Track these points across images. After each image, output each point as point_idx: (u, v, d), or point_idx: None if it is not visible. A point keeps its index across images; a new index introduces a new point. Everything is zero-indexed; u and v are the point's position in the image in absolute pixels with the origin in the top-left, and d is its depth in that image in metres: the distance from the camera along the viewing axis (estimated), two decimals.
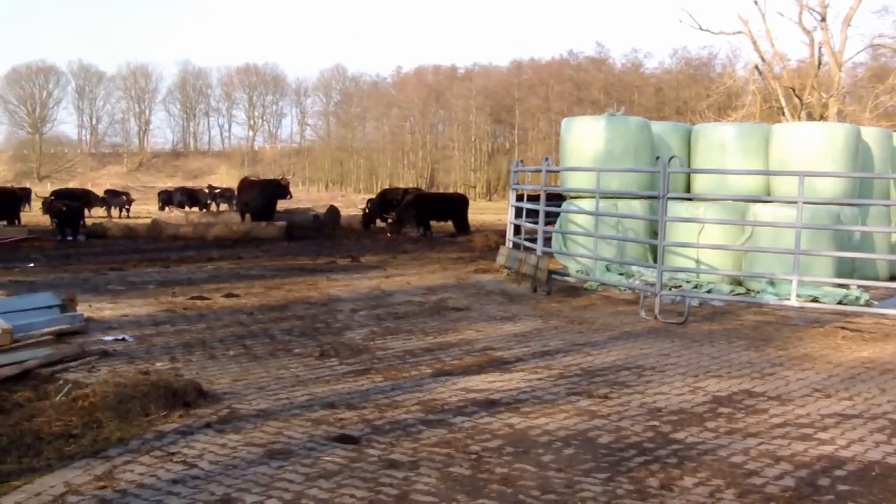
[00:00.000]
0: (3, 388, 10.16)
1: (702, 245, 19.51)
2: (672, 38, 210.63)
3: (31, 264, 24.89)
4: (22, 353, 11.68)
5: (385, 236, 38.71)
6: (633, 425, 8.97)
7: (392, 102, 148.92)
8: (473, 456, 7.93)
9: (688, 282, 19.59)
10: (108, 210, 57.25)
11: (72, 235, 36.40)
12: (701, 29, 50.14)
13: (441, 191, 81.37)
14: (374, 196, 50.75)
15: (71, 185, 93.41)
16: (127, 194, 61.17)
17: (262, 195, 40.19)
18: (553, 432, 8.69)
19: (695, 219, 19.74)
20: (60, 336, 13.19)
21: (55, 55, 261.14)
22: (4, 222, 35.42)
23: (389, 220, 41.45)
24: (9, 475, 7.35)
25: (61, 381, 10.42)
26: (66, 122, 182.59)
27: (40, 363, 11.20)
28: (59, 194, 47.22)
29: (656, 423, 9.09)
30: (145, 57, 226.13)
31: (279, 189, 41.07)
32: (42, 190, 64.22)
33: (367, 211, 43.63)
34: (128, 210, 56.93)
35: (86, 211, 54.40)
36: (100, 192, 68.53)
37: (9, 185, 68.22)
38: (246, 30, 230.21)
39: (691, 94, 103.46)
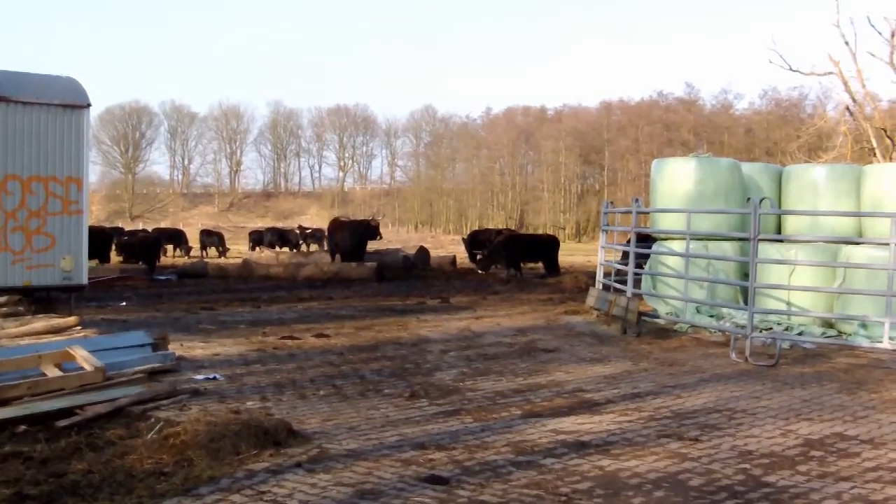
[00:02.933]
0: (95, 426, 10.31)
1: (793, 287, 19.32)
2: (762, 79, 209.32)
3: (124, 303, 25.20)
4: (114, 390, 11.83)
5: (476, 276, 38.70)
6: (723, 468, 8.91)
7: (482, 143, 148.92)
8: (563, 498, 7.91)
9: (779, 324, 19.41)
10: (202, 250, 57.80)
11: (149, 271, 36.94)
12: (791, 70, 49.63)
13: (531, 232, 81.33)
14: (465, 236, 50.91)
15: (163, 224, 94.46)
16: (220, 235, 61.64)
17: (352, 236, 40.37)
18: (643, 475, 8.66)
19: (786, 260, 19.59)
20: (152, 374, 13.35)
21: (148, 96, 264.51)
22: (96, 261, 35.92)
23: (479, 259, 41.47)
24: None
25: (153, 419, 10.52)
26: (158, 163, 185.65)
27: (132, 401, 11.33)
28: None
29: (747, 466, 9.02)
30: (237, 98, 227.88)
31: (369, 230, 41.26)
32: (133, 229, 64.88)
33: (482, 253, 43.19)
34: (220, 251, 57.32)
35: (177, 251, 55.11)
36: (192, 232, 69.32)
37: (102, 224, 68.99)
38: (337, 71, 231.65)
39: (781, 134, 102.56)
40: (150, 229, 63.45)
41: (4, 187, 20.35)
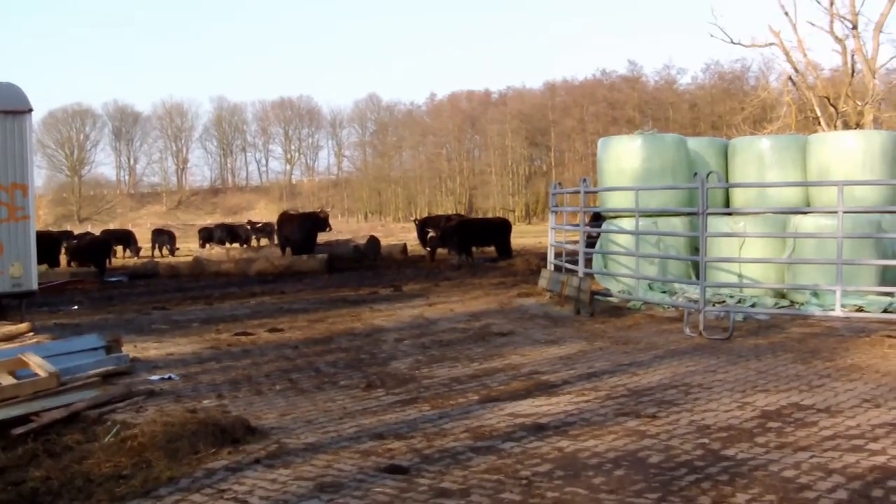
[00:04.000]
0: (52, 432, 10.23)
1: (744, 259, 19.45)
2: (704, 53, 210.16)
3: (75, 307, 25.05)
4: (69, 395, 11.74)
5: (427, 264, 38.68)
6: (682, 444, 8.94)
7: (427, 130, 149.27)
8: (524, 481, 7.92)
9: (731, 297, 19.53)
10: (153, 250, 57.59)
11: (100, 273, 36.87)
12: (733, 42, 49.89)
13: (481, 216, 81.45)
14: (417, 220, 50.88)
15: (111, 226, 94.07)
16: (171, 234, 61.43)
17: (301, 229, 40.34)
18: (603, 454, 8.67)
19: (735, 233, 19.73)
20: (107, 377, 13.26)
21: (90, 97, 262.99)
22: (45, 266, 35.67)
23: (429, 237, 41.40)
24: None
25: (109, 423, 10.45)
26: (104, 164, 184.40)
27: (88, 405, 11.26)
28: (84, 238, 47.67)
29: (706, 440, 9.05)
30: (180, 95, 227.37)
31: (319, 222, 41.20)
32: (84, 232, 64.43)
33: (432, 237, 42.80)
34: (170, 250, 57.13)
35: (126, 252, 54.86)
36: (141, 232, 69.00)
37: (50, 229, 68.50)
38: (279, 63, 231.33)
39: (726, 108, 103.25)
40: (97, 232, 63.09)
41: None
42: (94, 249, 41.50)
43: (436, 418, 10.35)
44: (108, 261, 42.10)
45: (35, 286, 21.55)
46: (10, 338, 15.40)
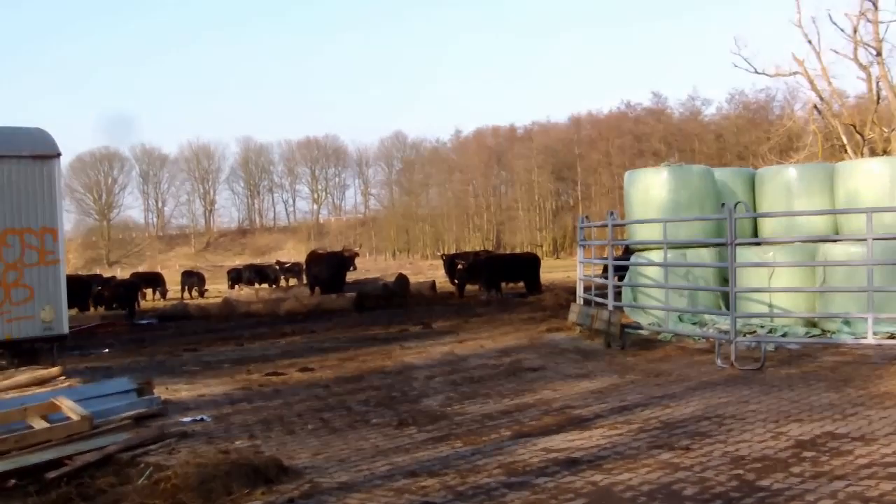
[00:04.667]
0: (85, 475, 10.25)
1: (774, 289, 19.38)
2: (728, 83, 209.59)
3: (106, 350, 25.11)
4: (102, 438, 11.77)
5: (456, 300, 38.67)
6: (716, 475, 8.90)
7: (453, 167, 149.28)
8: None
9: (762, 327, 19.46)
10: (183, 291, 57.82)
11: (129, 316, 37.05)
12: (757, 72, 49.89)
13: (509, 252, 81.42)
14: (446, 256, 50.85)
15: (141, 268, 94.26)
16: (200, 275, 61.65)
17: (330, 267, 40.36)
18: (636, 487, 8.64)
19: (765, 263, 19.65)
20: (139, 420, 13.29)
21: (118, 141, 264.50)
22: (76, 310, 35.77)
23: (456, 279, 41.36)
24: None
25: (142, 465, 10.47)
26: (132, 207, 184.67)
27: (121, 448, 11.28)
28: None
29: (740, 471, 9.01)
30: (206, 136, 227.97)
31: (345, 260, 41.20)
32: (114, 276, 64.57)
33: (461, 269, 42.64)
34: (200, 291, 57.35)
35: (155, 294, 55.09)
36: (170, 274, 69.23)
37: (79, 272, 68.76)
38: (304, 103, 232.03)
39: (751, 138, 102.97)
40: (126, 275, 63.45)
41: None
42: (122, 292, 41.67)
43: (468, 455, 10.33)
44: (136, 303, 42.26)
45: (66, 330, 21.59)
46: (41, 382, 15.44)
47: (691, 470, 9.15)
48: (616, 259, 21.77)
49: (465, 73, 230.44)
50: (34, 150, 21.14)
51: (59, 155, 21.54)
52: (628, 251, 23.34)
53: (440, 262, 51.92)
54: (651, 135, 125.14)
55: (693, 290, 20.71)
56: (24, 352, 20.59)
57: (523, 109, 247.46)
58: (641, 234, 22.40)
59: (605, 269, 23.28)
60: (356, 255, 43.14)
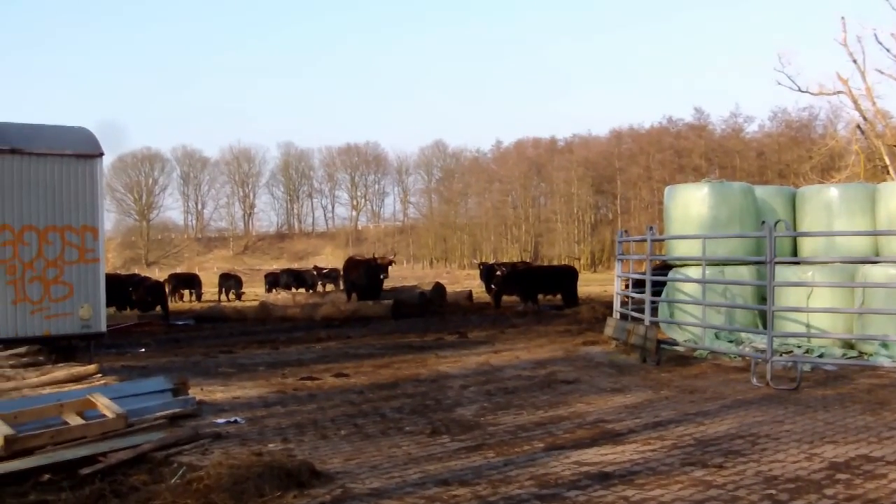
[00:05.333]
0: (119, 472, 10.30)
1: (812, 309, 19.27)
2: (771, 100, 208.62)
3: (143, 349, 25.23)
4: (137, 436, 11.83)
5: (493, 310, 38.65)
6: (749, 494, 8.87)
7: (493, 177, 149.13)
8: None
9: (799, 347, 19.37)
10: (220, 294, 58.09)
11: (164, 316, 37.25)
12: (800, 90, 49.66)
13: (546, 264, 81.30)
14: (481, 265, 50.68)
15: (178, 269, 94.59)
16: (238, 278, 61.92)
17: (367, 274, 40.39)
18: (668, 503, 8.62)
19: (803, 282, 19.54)
20: (174, 419, 13.35)
21: (160, 142, 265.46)
22: (113, 308, 35.91)
23: (493, 286, 41.29)
24: None
25: (176, 464, 10.52)
26: (172, 209, 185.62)
27: (155, 447, 11.33)
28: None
29: (773, 491, 8.97)
30: (247, 140, 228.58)
31: (378, 267, 41.16)
32: (151, 276, 64.81)
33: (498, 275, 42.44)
34: (237, 294, 57.60)
35: (192, 295, 55.37)
36: (207, 276, 69.51)
37: (118, 271, 69.13)
38: (346, 110, 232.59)
39: (793, 156, 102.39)
40: (157, 275, 63.85)
41: (21, 238, 20.44)
42: (153, 293, 42.03)
43: (501, 465, 10.33)
44: (165, 304, 42.54)
45: (104, 328, 21.74)
46: (78, 379, 15.54)
47: (724, 488, 9.12)
48: (651, 274, 21.70)
49: (506, 84, 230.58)
50: (77, 149, 21.31)
51: (101, 154, 21.71)
52: (664, 266, 23.25)
53: (477, 272, 51.77)
54: (692, 150, 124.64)
55: (730, 307, 20.64)
56: (61, 348, 20.73)
57: (564, 122, 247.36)
58: (680, 249, 22.34)
59: (636, 282, 23.20)
60: (391, 262, 43.03)
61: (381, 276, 40.83)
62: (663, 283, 22.18)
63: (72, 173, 21.07)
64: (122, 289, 39.70)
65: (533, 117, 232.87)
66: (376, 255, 46.46)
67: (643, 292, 21.27)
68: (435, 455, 11.03)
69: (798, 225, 22.22)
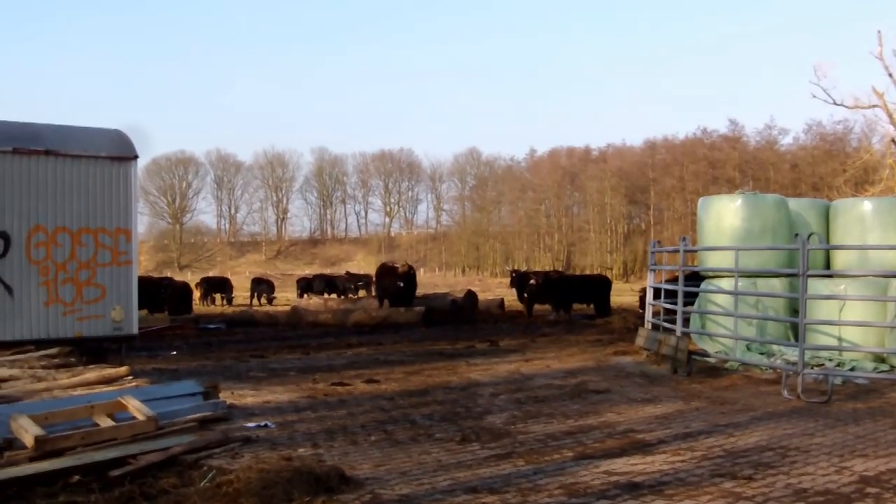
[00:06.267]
0: (148, 475, 10.34)
1: (844, 322, 19.18)
2: (806, 113, 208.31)
3: (174, 352, 25.33)
4: (167, 439, 11.88)
5: (524, 319, 38.62)
6: None
7: (527, 185, 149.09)
8: None
9: (830, 360, 19.29)
10: (252, 298, 58.32)
11: (196, 320, 37.45)
12: (835, 103, 49.50)
13: (579, 273, 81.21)
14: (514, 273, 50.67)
15: (211, 273, 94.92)
16: (270, 282, 62.14)
17: (400, 281, 40.34)
18: None
19: (836, 296, 19.46)
20: (204, 423, 13.37)
21: (194, 146, 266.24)
22: (145, 311, 36.02)
23: (526, 294, 41.20)
24: None
25: (205, 468, 10.55)
26: (205, 212, 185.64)
27: (185, 450, 11.37)
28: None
29: None
30: (281, 146, 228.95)
31: (398, 276, 40.96)
32: (182, 279, 64.98)
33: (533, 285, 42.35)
34: (268, 298, 57.81)
35: (223, 299, 55.64)
36: (239, 280, 69.76)
37: (150, 274, 69.39)
38: (380, 116, 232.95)
39: (827, 169, 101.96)
40: (190, 279, 64.19)
41: (54, 240, 20.53)
42: (178, 296, 42.36)
43: (530, 474, 10.32)
44: (189, 307, 42.87)
45: (135, 330, 21.80)
46: (109, 381, 15.59)
47: (753, 500, 9.10)
48: (683, 285, 21.64)
49: (540, 94, 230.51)
50: (112, 152, 21.39)
51: (136, 157, 21.80)
52: (696, 277, 23.17)
53: (509, 280, 51.70)
54: (726, 162, 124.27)
55: (762, 319, 20.58)
56: (93, 350, 20.79)
57: (598, 132, 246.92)
58: (713, 260, 22.28)
59: (668, 293, 23.11)
60: (410, 271, 42.75)
61: (399, 284, 40.77)
62: (695, 294, 22.13)
63: (106, 175, 21.16)
64: (155, 292, 39.90)
65: (566, 127, 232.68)
66: (396, 264, 46.44)
67: (675, 303, 21.23)
68: (465, 462, 11.03)
69: (831, 238, 22.13)
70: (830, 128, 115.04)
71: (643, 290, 39.52)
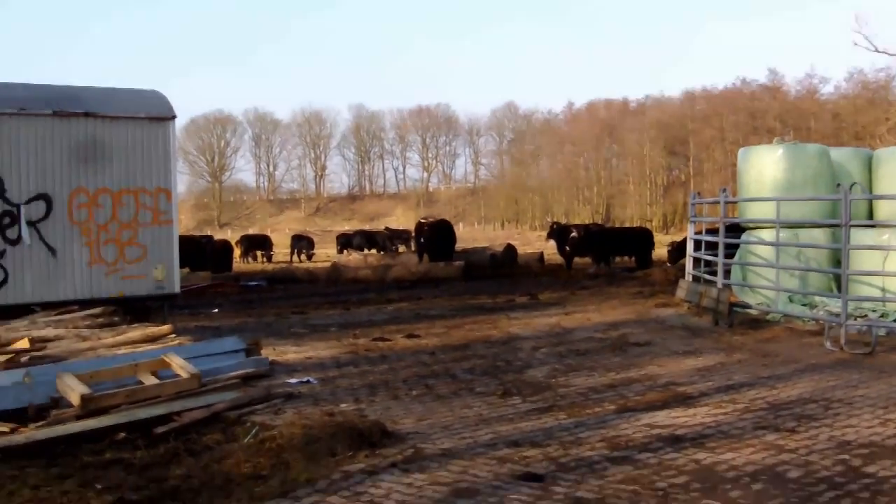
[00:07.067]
0: (192, 431, 10.44)
1: (887, 273, 19.03)
2: (847, 61, 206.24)
3: (216, 310, 25.45)
4: (210, 396, 11.96)
5: (564, 272, 38.55)
6: (822, 459, 8.82)
7: (565, 139, 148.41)
8: (660, 492, 7.88)
9: (874, 311, 19.15)
10: (292, 255, 58.47)
11: (236, 277, 37.69)
12: (877, 51, 49.08)
13: (619, 226, 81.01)
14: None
15: (251, 231, 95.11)
16: (309, 239, 62.27)
17: (439, 236, 40.33)
18: (740, 467, 8.59)
19: (879, 246, 19.30)
20: (247, 379, 13.44)
21: (231, 105, 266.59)
22: (187, 269, 36.20)
23: (567, 247, 41.08)
24: None
25: (249, 424, 10.63)
26: (244, 170, 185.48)
27: (228, 406, 11.45)
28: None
29: (846, 456, 8.91)
30: (319, 103, 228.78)
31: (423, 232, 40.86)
32: (222, 237, 65.14)
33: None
34: (308, 255, 57.94)
35: (262, 256, 55.86)
36: (279, 237, 69.95)
37: (191, 233, 69.66)
38: (417, 72, 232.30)
39: (869, 118, 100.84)
40: (230, 236, 64.52)
41: (95, 201, 20.60)
42: (219, 254, 42.65)
43: (572, 427, 10.34)
44: (230, 264, 43.29)
45: (177, 289, 21.89)
46: (152, 339, 15.68)
47: (796, 453, 9.07)
48: (724, 236, 21.52)
49: (577, 46, 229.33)
50: (150, 112, 21.43)
51: (174, 117, 21.82)
52: (737, 228, 23.03)
53: (548, 232, 51.52)
54: (766, 112, 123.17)
55: (804, 271, 20.46)
56: (136, 309, 20.91)
57: (636, 84, 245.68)
58: (753, 212, 22.12)
59: (708, 245, 22.97)
60: (430, 226, 42.49)
61: (420, 240, 40.71)
62: (736, 246, 22.01)
63: (145, 136, 21.21)
64: (196, 250, 40.06)
65: (604, 79, 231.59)
66: (433, 219, 46.36)
67: (715, 255, 21.14)
68: (506, 416, 11.06)
69: (874, 188, 21.90)
70: (872, 76, 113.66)
71: (672, 244, 39.47)
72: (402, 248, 59.21)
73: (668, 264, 35.72)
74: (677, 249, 35.25)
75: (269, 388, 12.87)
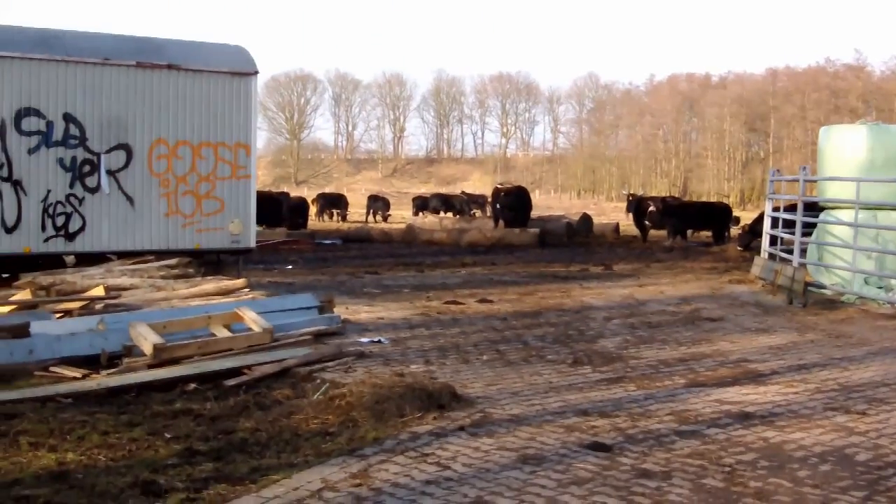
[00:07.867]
0: (262, 385, 10.57)
1: None
2: None
3: (290, 266, 25.61)
4: (281, 351, 12.07)
5: (639, 244, 38.42)
6: (892, 443, 8.76)
7: (645, 110, 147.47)
8: (727, 468, 7.86)
9: None
10: (367, 215, 58.65)
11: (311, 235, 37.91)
12: None
13: (695, 199, 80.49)
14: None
15: (327, 189, 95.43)
16: (385, 200, 62.40)
17: (517, 202, 40.27)
18: (809, 447, 8.55)
19: None
20: (318, 336, 13.56)
21: (313, 64, 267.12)
22: (263, 225, 36.36)
23: (647, 221, 40.85)
24: (268, 469, 7.60)
25: (319, 381, 10.72)
26: (322, 129, 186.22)
27: (299, 362, 11.54)
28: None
29: None
30: (400, 66, 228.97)
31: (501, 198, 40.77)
32: (299, 194, 65.39)
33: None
34: (383, 216, 58.10)
35: (337, 215, 56.11)
36: (355, 197, 70.16)
37: (269, 189, 70.03)
38: (499, 38, 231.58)
39: None
40: (306, 194, 64.87)
41: (175, 153, 20.78)
42: (295, 211, 43.02)
43: (641, 399, 10.34)
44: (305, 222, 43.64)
45: (253, 244, 22.06)
46: (226, 292, 15.82)
47: (866, 436, 9.01)
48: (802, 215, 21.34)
49: (660, 18, 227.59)
50: (233, 67, 21.56)
51: (256, 73, 21.94)
52: (815, 207, 22.82)
53: (625, 204, 51.26)
54: (849, 91, 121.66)
55: (882, 253, 20.27)
56: (211, 262, 21.13)
57: (718, 59, 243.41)
58: (833, 191, 21.91)
59: (785, 223, 22.77)
60: (507, 192, 42.28)
61: (496, 206, 40.62)
62: (813, 225, 21.83)
63: (226, 91, 21.35)
64: (272, 206, 40.25)
65: (686, 53, 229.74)
66: (509, 185, 46.24)
67: (793, 233, 20.98)
68: (576, 385, 11.07)
69: None
70: None
71: (744, 228, 39.02)
72: (477, 213, 59.19)
73: (739, 248, 35.30)
74: (750, 231, 34.67)
75: (340, 346, 12.95)
